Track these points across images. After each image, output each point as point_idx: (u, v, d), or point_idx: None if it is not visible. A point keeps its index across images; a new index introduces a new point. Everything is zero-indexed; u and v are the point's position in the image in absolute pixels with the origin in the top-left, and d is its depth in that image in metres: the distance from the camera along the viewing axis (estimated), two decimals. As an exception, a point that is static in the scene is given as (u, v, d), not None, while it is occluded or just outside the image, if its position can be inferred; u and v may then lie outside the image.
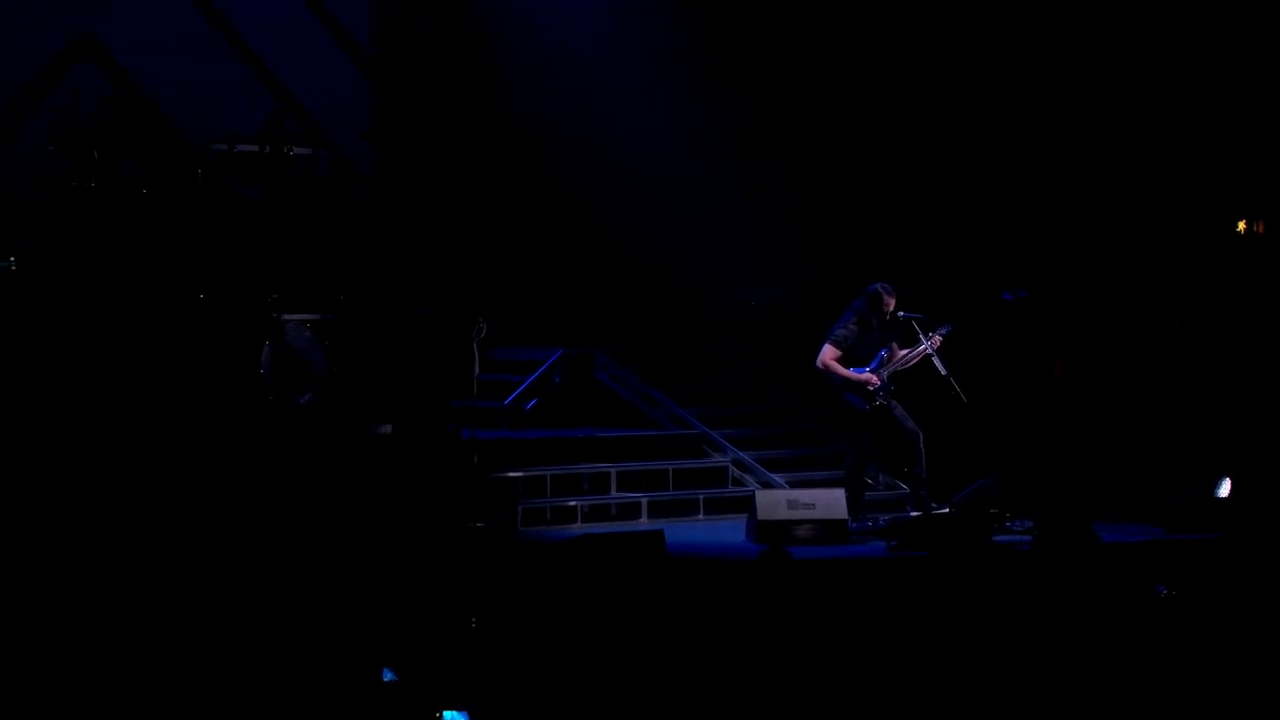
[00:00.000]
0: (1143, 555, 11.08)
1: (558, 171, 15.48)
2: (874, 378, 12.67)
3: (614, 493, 13.43)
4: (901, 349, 12.84)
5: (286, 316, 12.05)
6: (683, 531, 12.49)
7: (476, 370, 12.40)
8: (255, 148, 12.82)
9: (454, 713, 7.73)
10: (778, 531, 12.19)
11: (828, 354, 12.76)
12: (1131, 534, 12.05)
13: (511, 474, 12.96)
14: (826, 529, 12.33)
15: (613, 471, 13.48)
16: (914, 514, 12.63)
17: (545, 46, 15.35)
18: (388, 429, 12.00)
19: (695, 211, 15.57)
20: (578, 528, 12.75)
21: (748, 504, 12.74)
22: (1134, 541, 11.73)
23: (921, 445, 12.69)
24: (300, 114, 14.53)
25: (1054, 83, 14.77)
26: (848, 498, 12.57)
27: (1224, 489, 12.54)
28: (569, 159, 15.47)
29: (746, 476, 14.02)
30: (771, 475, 13.99)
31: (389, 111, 15.03)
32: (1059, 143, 14.85)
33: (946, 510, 12.47)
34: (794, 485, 13.56)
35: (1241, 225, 14.42)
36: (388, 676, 8.10)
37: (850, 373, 12.72)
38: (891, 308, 12.73)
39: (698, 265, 15.69)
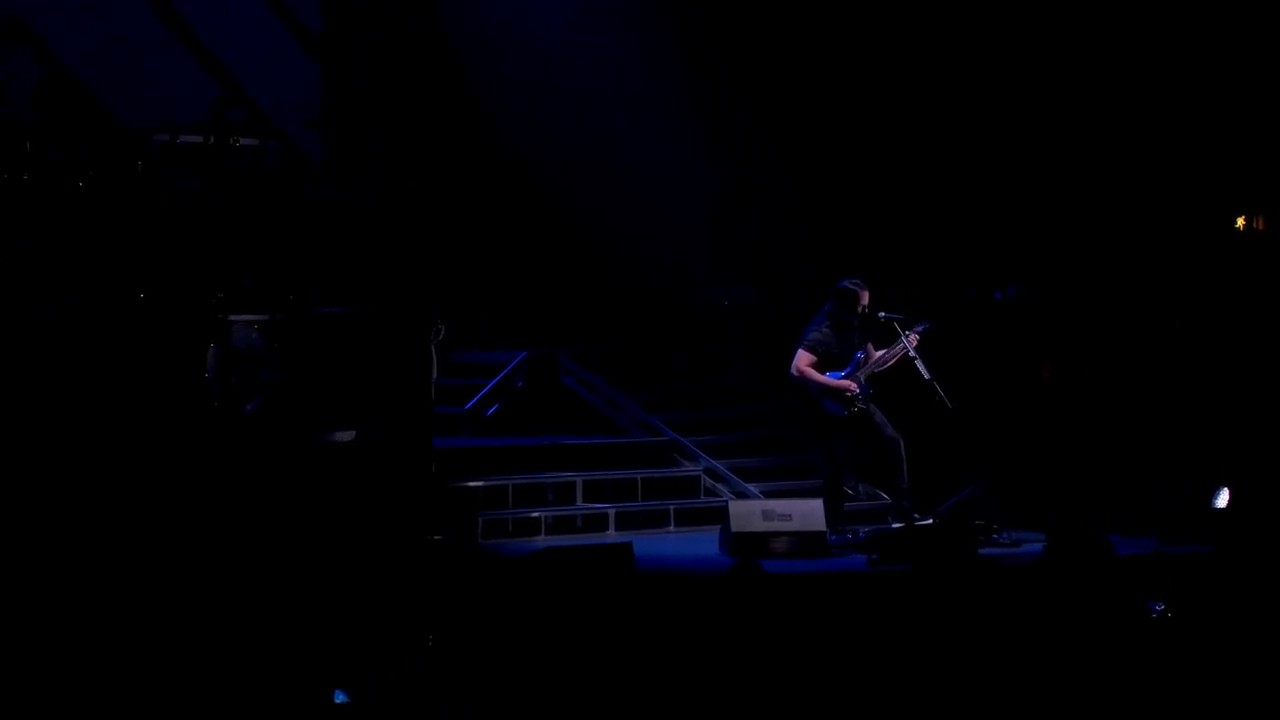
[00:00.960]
0: (1136, 569, 10.87)
1: (523, 165, 15.48)
2: (852, 384, 12.57)
3: (580, 503, 13.37)
4: (878, 350, 12.72)
5: (232, 317, 11.87)
6: (652, 544, 12.44)
7: (435, 374, 12.32)
8: (199, 138, 12.70)
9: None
10: (752, 544, 12.17)
11: (801, 360, 12.66)
12: (1123, 547, 11.53)
13: (472, 484, 12.92)
14: (804, 542, 12.30)
15: (578, 481, 13.43)
16: (895, 526, 12.56)
17: (512, 36, 15.36)
18: (343, 436, 11.95)
19: (671, 208, 15.66)
20: (541, 540, 12.72)
21: (721, 515, 12.67)
22: (1126, 555, 11.31)
23: (902, 453, 12.59)
24: (248, 103, 14.45)
25: (1048, 73, 14.77)
26: (826, 509, 12.51)
27: (1222, 499, 12.49)
28: (535, 152, 15.47)
29: (720, 486, 14.00)
30: (746, 485, 13.96)
31: (341, 100, 15.09)
32: (1053, 135, 14.85)
33: (930, 521, 12.42)
34: (769, 495, 13.54)
35: (1240, 221, 14.46)
36: (339, 698, 8.07)
37: (827, 378, 12.62)
38: (866, 303, 12.61)
39: (673, 264, 15.78)
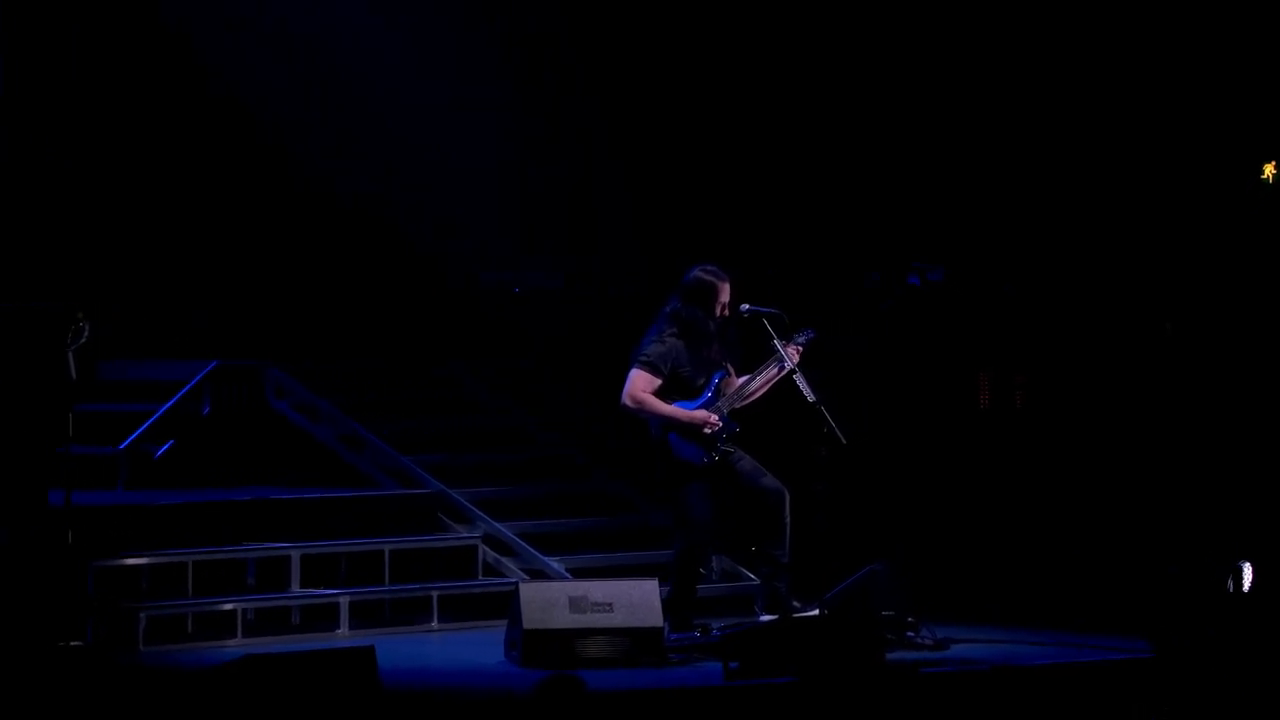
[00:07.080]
0: (1126, 679, 11.19)
1: (232, 104, 15.76)
2: (711, 416, 12.44)
3: (296, 589, 13.29)
4: (742, 373, 12.64)
5: None
6: (406, 648, 12.41)
7: (74, 395, 12.17)
8: None
9: None
10: (554, 647, 12.07)
11: (638, 384, 12.50)
12: (1107, 649, 12.11)
13: (130, 560, 12.77)
14: (631, 642, 12.21)
15: (295, 554, 13.32)
16: (766, 619, 12.42)
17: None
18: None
19: (449, 158, 16.09)
20: (237, 645, 12.62)
21: (508, 604, 12.44)
22: (1115, 660, 11.78)
23: (787, 513, 12.43)
24: None
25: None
26: (668, 594, 12.39)
27: (1245, 577, 12.40)
28: (251, 92, 15.82)
29: (506, 561, 13.96)
30: (546, 559, 13.90)
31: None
32: (986, 59, 15.19)
33: (816, 612, 12.36)
34: (580, 574, 13.60)
35: (1269, 169, 14.47)
36: None
37: (675, 409, 12.48)
38: (727, 300, 12.57)
39: (448, 236, 16.12)
